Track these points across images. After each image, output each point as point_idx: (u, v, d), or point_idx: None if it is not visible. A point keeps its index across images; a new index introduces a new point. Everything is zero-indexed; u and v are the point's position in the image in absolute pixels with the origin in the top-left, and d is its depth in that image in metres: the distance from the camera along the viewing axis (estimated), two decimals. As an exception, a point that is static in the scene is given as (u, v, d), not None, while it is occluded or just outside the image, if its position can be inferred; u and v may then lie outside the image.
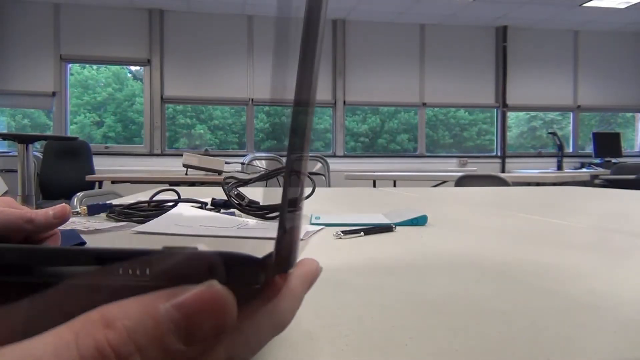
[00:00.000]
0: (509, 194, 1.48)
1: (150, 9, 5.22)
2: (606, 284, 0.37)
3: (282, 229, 0.16)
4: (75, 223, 0.67)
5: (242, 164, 4.13)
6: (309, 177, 0.76)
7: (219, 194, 0.85)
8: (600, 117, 6.44)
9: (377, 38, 5.72)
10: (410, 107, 5.94)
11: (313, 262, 0.20)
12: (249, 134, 5.56)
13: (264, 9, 5.22)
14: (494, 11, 5.41)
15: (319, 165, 4.52)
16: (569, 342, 0.24)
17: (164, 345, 0.13)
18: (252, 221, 0.69)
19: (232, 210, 0.81)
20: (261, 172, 0.87)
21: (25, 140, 2.86)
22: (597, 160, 5.40)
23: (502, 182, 2.82)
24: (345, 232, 0.58)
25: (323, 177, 4.41)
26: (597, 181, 4.21)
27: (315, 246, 0.53)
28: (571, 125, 6.25)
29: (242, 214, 0.78)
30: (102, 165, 4.67)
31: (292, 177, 0.17)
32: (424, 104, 5.90)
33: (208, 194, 1.00)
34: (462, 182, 2.93)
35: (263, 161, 4.26)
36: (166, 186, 1.10)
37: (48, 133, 5.13)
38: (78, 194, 1.39)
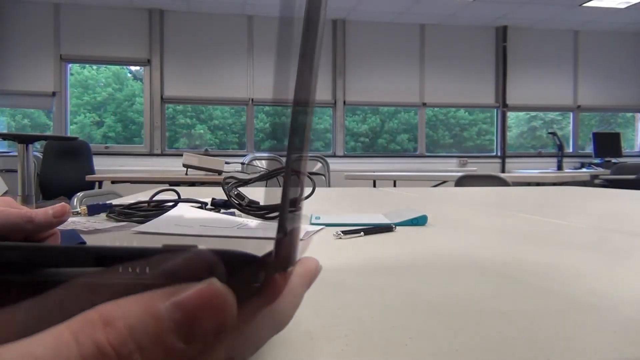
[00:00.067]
0: (509, 194, 1.48)
1: (150, 9, 5.22)
2: (606, 284, 0.37)
3: (282, 228, 0.16)
4: (75, 223, 0.67)
5: (242, 164, 4.13)
6: (309, 177, 0.76)
7: (219, 194, 0.85)
8: (600, 117, 6.44)
9: (377, 38, 5.72)
10: (410, 107, 5.94)
11: (313, 260, 0.20)
12: (249, 134, 5.56)
13: (264, 9, 5.22)
14: (494, 11, 5.41)
15: (319, 165, 4.52)
16: (569, 342, 0.24)
17: (164, 343, 0.13)
18: (252, 221, 0.69)
19: (232, 210, 0.81)
20: (261, 172, 0.87)
21: (25, 140, 2.86)
22: (597, 160, 5.40)
23: (502, 182, 2.82)
24: (345, 232, 0.58)
25: (323, 177, 4.42)
26: (597, 181, 4.21)
27: (315, 246, 0.53)
28: (571, 125, 6.25)
29: (242, 214, 0.78)
30: (102, 165, 4.67)
31: (292, 177, 0.17)
32: (424, 104, 5.90)
33: (208, 194, 1.00)
34: (462, 182, 2.93)
35: (263, 161, 4.27)
36: (166, 186, 1.10)
37: (48, 133, 5.13)
38: (78, 194, 1.39)
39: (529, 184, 3.25)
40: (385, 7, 5.26)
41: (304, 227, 0.63)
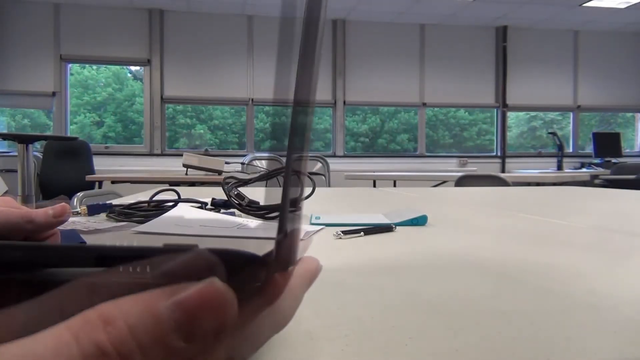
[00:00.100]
0: (509, 194, 1.48)
1: (150, 9, 5.22)
2: (606, 284, 0.37)
3: (282, 228, 0.16)
4: (75, 223, 0.67)
5: (242, 164, 4.13)
6: (309, 177, 0.76)
7: (219, 194, 0.85)
8: (600, 117, 6.44)
9: (377, 38, 5.72)
10: (410, 107, 5.94)
11: (313, 260, 0.20)
12: (249, 134, 5.56)
13: (264, 9, 5.22)
14: (494, 11, 5.42)
15: (319, 165, 4.52)
16: (569, 342, 0.24)
17: (164, 343, 0.13)
18: (252, 221, 0.69)
19: (232, 210, 0.81)
20: (261, 172, 0.87)
21: (25, 140, 2.86)
22: (597, 160, 5.40)
23: (502, 182, 2.82)
24: (345, 232, 0.58)
25: (323, 177, 4.42)
26: (597, 181, 4.21)
27: (315, 246, 0.53)
28: (571, 125, 6.25)
29: (242, 214, 0.78)
30: (102, 165, 4.67)
31: (292, 177, 0.17)
32: (424, 104, 5.90)
33: (208, 194, 0.99)
34: (462, 182, 2.93)
35: (263, 161, 4.27)
36: (166, 186, 1.10)
37: (48, 133, 5.13)
38: (78, 194, 1.39)
39: (529, 184, 3.25)
40: (385, 7, 5.26)
41: (304, 227, 0.63)
